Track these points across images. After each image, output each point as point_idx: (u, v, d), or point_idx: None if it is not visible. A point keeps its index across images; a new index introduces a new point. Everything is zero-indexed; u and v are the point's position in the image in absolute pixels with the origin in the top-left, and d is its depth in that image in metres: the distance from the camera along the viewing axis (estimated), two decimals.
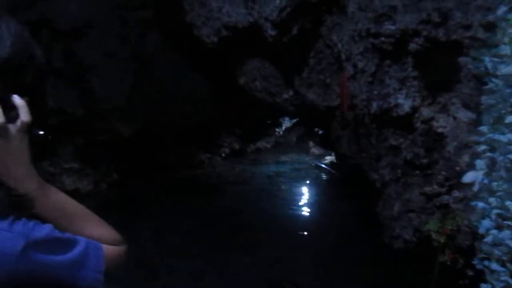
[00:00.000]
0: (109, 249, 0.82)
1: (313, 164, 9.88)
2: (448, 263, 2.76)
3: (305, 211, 6.60)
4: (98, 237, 0.81)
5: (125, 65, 6.88)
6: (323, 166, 9.56)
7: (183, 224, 5.80)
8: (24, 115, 0.70)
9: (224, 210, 6.48)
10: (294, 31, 4.34)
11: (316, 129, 8.65)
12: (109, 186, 7.83)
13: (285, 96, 5.41)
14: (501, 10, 2.42)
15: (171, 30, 6.68)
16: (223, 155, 10.37)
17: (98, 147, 7.57)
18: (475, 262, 2.36)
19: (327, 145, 8.11)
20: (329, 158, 9.83)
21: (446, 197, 3.02)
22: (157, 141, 8.24)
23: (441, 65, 3.13)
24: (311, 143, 11.30)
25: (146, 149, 8.19)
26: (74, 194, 7.25)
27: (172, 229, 5.61)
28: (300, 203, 6.94)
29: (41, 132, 0.74)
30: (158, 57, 7.16)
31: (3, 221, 0.67)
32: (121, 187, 7.73)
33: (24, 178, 0.75)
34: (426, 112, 3.29)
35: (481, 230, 2.34)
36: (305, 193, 7.63)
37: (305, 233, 5.58)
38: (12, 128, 0.70)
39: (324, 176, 9.01)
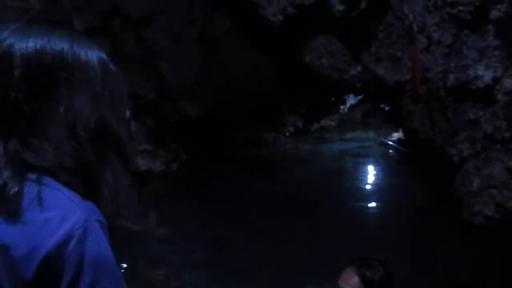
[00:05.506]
0: None
1: (379, 141, 9.65)
2: None
3: (374, 189, 6.51)
4: None
5: (192, 48, 7.07)
6: (390, 143, 9.32)
7: (250, 203, 5.94)
8: None
9: (290, 189, 6.54)
10: (363, 5, 4.25)
11: (382, 106, 8.41)
12: (179, 166, 8.16)
13: (353, 72, 5.32)
14: None
15: (236, 11, 6.76)
16: (287, 133, 10.40)
17: (168, 129, 7.90)
18: None
19: (395, 121, 7.89)
20: (396, 135, 9.55)
21: None
22: (224, 121, 8.43)
23: None
24: (377, 120, 11.03)
25: (213, 129, 8.41)
26: (147, 174, 7.68)
27: (239, 207, 5.76)
28: (368, 181, 6.86)
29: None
30: (223, 38, 7.28)
31: None
32: (190, 167, 8.03)
33: None
34: (508, 83, 3.13)
35: None
36: (372, 171, 7.51)
37: (376, 211, 5.53)
38: None
39: (391, 153, 8.80)
